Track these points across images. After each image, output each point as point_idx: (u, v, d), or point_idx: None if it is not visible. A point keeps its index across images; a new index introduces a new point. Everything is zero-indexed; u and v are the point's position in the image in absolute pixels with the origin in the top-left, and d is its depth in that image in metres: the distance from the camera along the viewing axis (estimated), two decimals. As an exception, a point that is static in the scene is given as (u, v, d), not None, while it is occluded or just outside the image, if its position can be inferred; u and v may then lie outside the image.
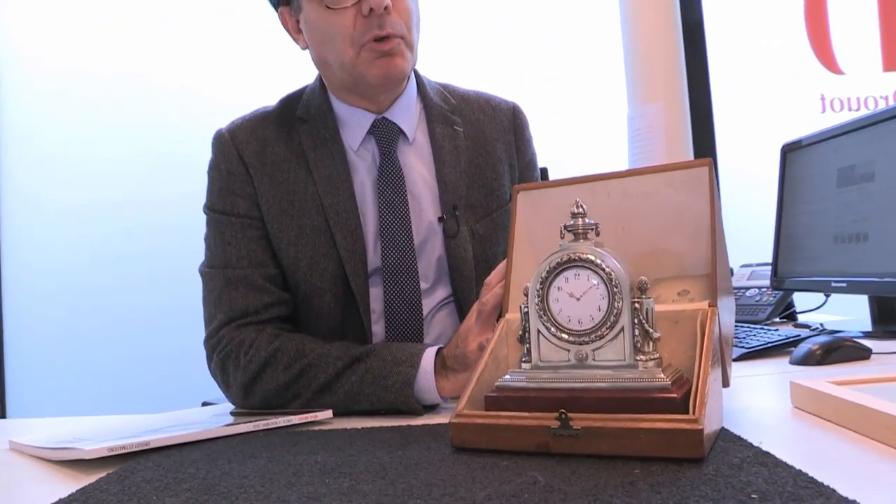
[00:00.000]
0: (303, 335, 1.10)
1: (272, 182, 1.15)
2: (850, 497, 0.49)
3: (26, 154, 2.62)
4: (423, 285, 1.17)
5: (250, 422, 0.89)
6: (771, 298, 1.80)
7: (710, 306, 0.74)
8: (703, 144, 2.65)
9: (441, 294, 1.19)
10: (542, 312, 0.71)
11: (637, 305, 0.68)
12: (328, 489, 0.60)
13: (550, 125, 2.25)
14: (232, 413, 1.09)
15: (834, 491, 0.51)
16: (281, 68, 2.07)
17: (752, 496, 0.51)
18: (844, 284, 1.48)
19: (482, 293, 0.98)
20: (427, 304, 1.17)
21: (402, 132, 1.20)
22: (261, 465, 0.70)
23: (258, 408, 1.07)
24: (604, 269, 0.69)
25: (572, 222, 0.72)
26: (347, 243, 1.13)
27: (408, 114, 1.21)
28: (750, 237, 2.19)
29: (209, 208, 1.18)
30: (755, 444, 0.64)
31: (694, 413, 0.62)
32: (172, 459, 0.75)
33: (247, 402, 1.08)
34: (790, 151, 1.74)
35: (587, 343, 0.70)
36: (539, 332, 0.72)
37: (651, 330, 0.68)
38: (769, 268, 1.78)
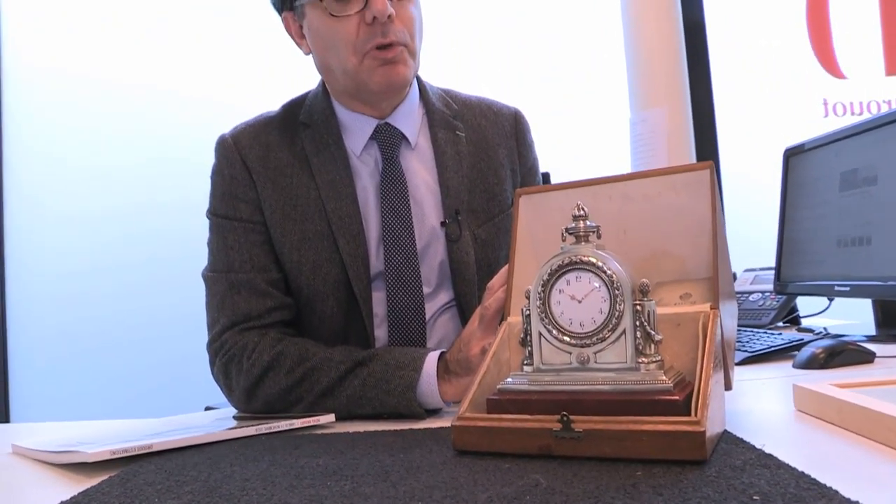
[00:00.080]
0: (305, 339, 1.10)
1: (275, 187, 1.15)
2: (853, 499, 0.49)
3: (30, 161, 2.63)
4: (426, 290, 1.17)
5: (252, 425, 0.89)
6: (774, 303, 1.80)
7: (711, 309, 0.74)
8: (706, 149, 2.65)
9: (443, 298, 1.19)
10: (543, 315, 0.71)
11: (639, 308, 0.68)
12: (330, 492, 0.60)
13: (552, 129, 2.26)
14: (235, 417, 1.09)
15: (837, 492, 0.50)
16: (283, 74, 2.09)
17: (755, 498, 0.51)
18: (848, 288, 1.48)
19: (484, 297, 0.98)
20: (429, 309, 1.17)
21: (404, 137, 1.20)
22: (263, 468, 0.70)
23: (261, 412, 1.07)
24: (605, 272, 0.69)
25: (574, 225, 0.72)
26: (350, 248, 1.13)
27: (410, 119, 1.21)
28: (753, 242, 2.18)
29: (212, 213, 1.18)
30: (758, 446, 0.64)
31: (696, 415, 0.61)
32: (174, 462, 0.75)
33: (249, 405, 1.08)
34: (793, 156, 1.74)
35: (589, 346, 0.70)
36: (541, 334, 0.72)
37: (653, 332, 0.68)
38: (772, 272, 1.77)
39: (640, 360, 0.68)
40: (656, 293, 0.78)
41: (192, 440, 0.83)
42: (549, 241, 0.77)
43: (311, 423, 0.93)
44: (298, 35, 1.18)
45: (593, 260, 0.70)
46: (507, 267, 0.90)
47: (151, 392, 2.47)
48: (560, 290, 0.71)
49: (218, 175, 1.19)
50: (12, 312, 2.59)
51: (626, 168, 2.41)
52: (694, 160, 2.36)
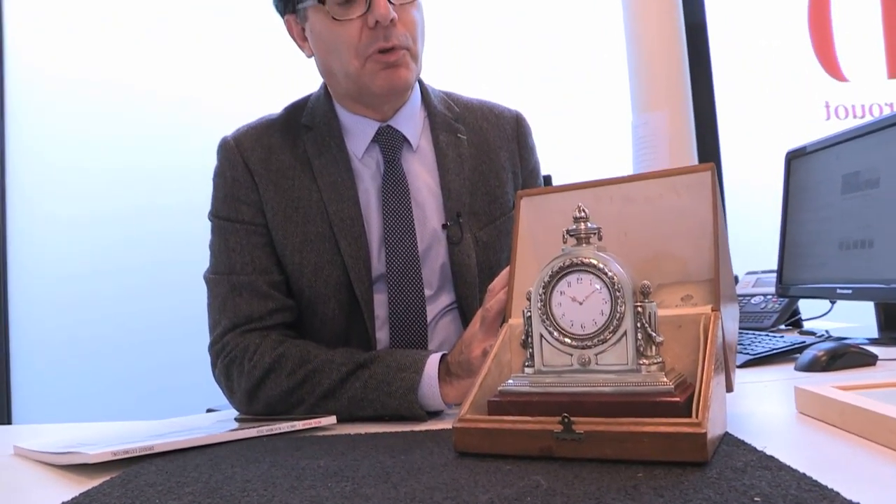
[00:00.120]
0: (307, 341, 1.11)
1: (277, 189, 1.15)
2: (855, 500, 0.49)
3: (33, 164, 2.64)
4: (427, 292, 1.17)
5: (254, 427, 0.89)
6: (776, 305, 1.79)
7: (713, 310, 0.74)
8: (708, 152, 2.65)
9: (445, 300, 1.19)
10: (544, 317, 0.71)
11: (640, 309, 0.68)
12: (331, 493, 0.60)
13: (554, 131, 2.26)
14: (236, 419, 1.09)
15: (838, 494, 0.50)
16: (285, 77, 2.09)
17: (756, 499, 0.50)
18: (850, 291, 1.47)
19: (486, 299, 0.98)
20: (431, 311, 1.17)
21: (406, 140, 1.20)
22: (264, 470, 0.70)
23: (262, 414, 1.07)
24: (606, 274, 0.69)
25: (575, 227, 0.72)
26: (352, 250, 1.13)
27: (412, 122, 1.21)
28: (755, 244, 2.18)
29: (214, 215, 1.19)
30: (759, 448, 0.64)
31: (697, 417, 0.61)
32: (176, 464, 0.75)
33: (251, 407, 1.08)
34: (794, 158, 1.74)
35: (590, 347, 0.70)
36: (542, 336, 0.72)
37: (654, 334, 0.68)
38: (774, 275, 1.77)
39: (641, 362, 0.68)
40: (657, 295, 0.78)
41: (193, 442, 0.83)
42: (551, 242, 0.77)
43: (313, 425, 0.93)
44: (301, 38, 1.18)
45: (594, 262, 0.70)
46: (508, 269, 0.90)
47: (153, 394, 2.47)
48: (561, 292, 0.71)
49: (220, 177, 1.19)
50: (15, 315, 2.60)
51: (627, 170, 2.41)
52: (696, 163, 2.36)
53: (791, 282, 1.69)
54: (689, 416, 0.62)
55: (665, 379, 0.67)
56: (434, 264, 1.18)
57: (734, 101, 2.84)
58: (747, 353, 1.28)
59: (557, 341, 0.71)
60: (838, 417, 0.72)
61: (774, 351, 1.27)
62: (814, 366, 1.13)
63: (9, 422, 2.55)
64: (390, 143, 1.19)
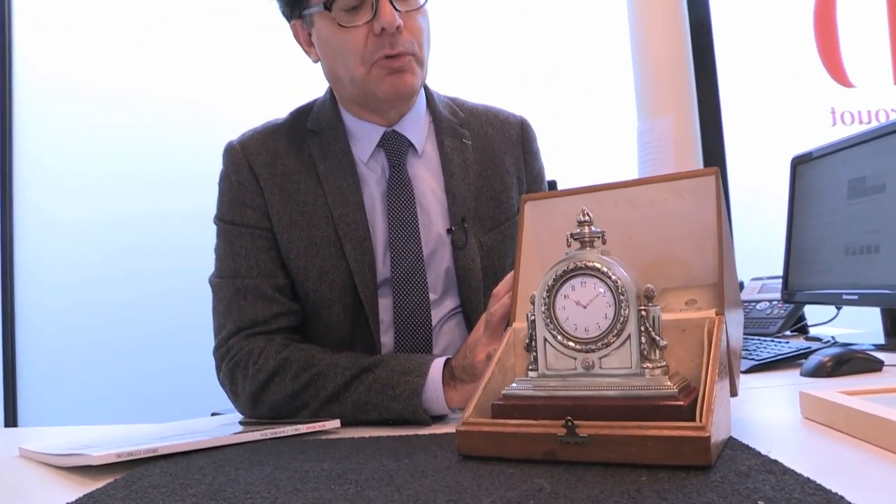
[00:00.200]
0: (311, 345, 1.11)
1: (282, 193, 1.16)
2: (859, 504, 0.49)
3: (39, 170, 2.66)
4: (432, 296, 1.17)
5: (258, 430, 0.89)
6: (782, 311, 1.79)
7: (717, 315, 0.74)
8: (713, 158, 2.64)
9: (449, 305, 1.19)
10: (548, 320, 0.71)
11: (643, 313, 0.68)
12: (334, 495, 0.60)
13: (559, 135, 2.26)
14: (240, 422, 1.09)
15: (842, 498, 0.50)
16: (290, 82, 2.10)
17: (759, 503, 0.50)
18: (856, 297, 1.47)
19: (490, 304, 0.98)
20: (436, 315, 1.18)
21: (411, 145, 1.20)
22: (267, 472, 0.70)
23: (266, 417, 1.07)
24: (610, 277, 0.69)
25: (579, 230, 0.72)
26: (357, 254, 1.13)
27: (417, 127, 1.22)
28: (760, 250, 2.18)
29: (219, 219, 1.19)
30: (763, 452, 0.64)
31: (701, 420, 0.61)
32: (180, 466, 0.75)
33: (255, 411, 1.08)
34: (800, 164, 1.74)
35: (594, 351, 0.70)
36: (546, 340, 0.72)
37: (658, 338, 0.68)
38: (780, 281, 1.77)
39: (644, 366, 0.68)
40: (662, 299, 0.78)
41: (197, 444, 0.83)
42: (555, 247, 0.77)
43: (317, 429, 0.93)
44: (307, 43, 1.19)
45: (598, 265, 0.70)
46: (512, 273, 0.91)
47: (158, 398, 2.48)
48: (565, 296, 0.71)
49: (225, 181, 1.19)
50: (21, 318, 2.61)
51: (632, 175, 2.40)
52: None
53: (797, 287, 1.69)
54: (693, 419, 0.62)
55: (669, 383, 0.66)
56: (439, 269, 1.18)
57: (740, 106, 2.83)
58: (752, 359, 1.27)
59: (561, 345, 0.71)
60: (843, 422, 0.72)
61: (780, 356, 1.27)
62: (819, 371, 1.12)
63: (14, 424, 2.56)
64: (396, 147, 1.19)
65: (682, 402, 0.64)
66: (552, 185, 1.57)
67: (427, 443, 0.80)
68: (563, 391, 0.70)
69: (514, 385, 0.74)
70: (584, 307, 0.70)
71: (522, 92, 2.66)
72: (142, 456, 0.78)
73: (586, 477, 0.60)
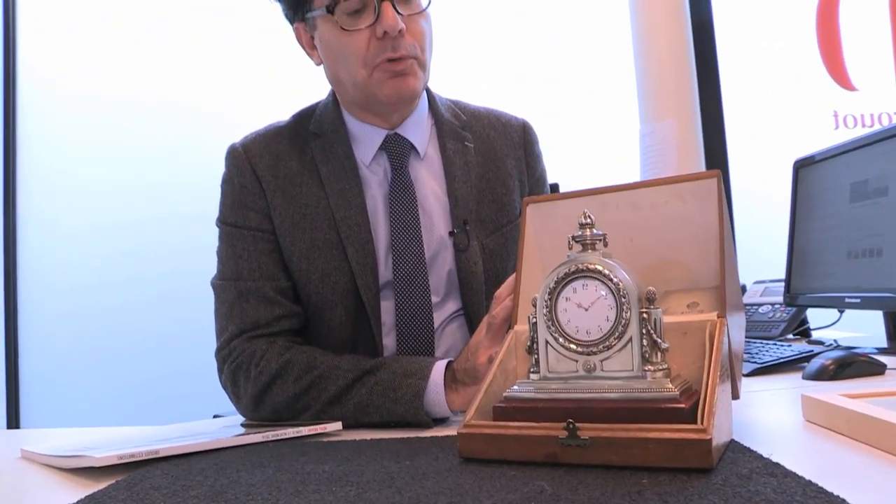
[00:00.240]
0: (313, 348, 1.11)
1: (284, 196, 1.16)
2: (860, 507, 0.49)
3: (43, 175, 2.66)
4: (434, 299, 1.17)
5: (260, 432, 0.89)
6: (784, 315, 1.79)
7: (718, 317, 0.74)
8: (716, 161, 2.64)
9: (452, 307, 1.19)
10: (550, 323, 0.72)
11: (645, 316, 0.68)
12: (335, 497, 0.60)
13: (561, 139, 2.26)
14: (242, 425, 1.09)
15: (844, 501, 0.50)
16: (293, 85, 2.10)
17: (761, 505, 0.50)
18: (858, 300, 1.47)
19: (492, 306, 0.98)
20: (438, 318, 1.18)
21: (413, 147, 1.21)
22: (269, 474, 0.70)
23: (268, 419, 1.07)
24: (612, 280, 0.69)
25: (580, 233, 0.72)
26: (359, 256, 1.13)
27: (419, 129, 1.22)
28: (762, 253, 2.18)
29: (222, 221, 1.19)
30: (765, 455, 0.64)
31: (702, 423, 0.61)
32: (181, 468, 0.75)
33: (257, 413, 1.08)
34: (803, 167, 1.73)
35: (595, 353, 0.70)
36: (547, 342, 0.72)
37: (659, 340, 0.68)
38: (782, 284, 1.76)
39: (646, 368, 0.68)
40: (663, 302, 0.77)
41: (199, 446, 0.84)
42: (557, 249, 0.77)
43: (319, 431, 0.93)
44: (310, 46, 1.19)
45: (600, 268, 0.70)
46: (514, 276, 0.91)
47: (160, 401, 2.48)
48: (566, 298, 0.71)
49: (228, 184, 1.20)
50: (24, 321, 2.62)
51: (635, 178, 2.40)
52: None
53: (799, 291, 1.68)
54: (695, 422, 0.62)
55: (670, 385, 0.66)
56: (441, 271, 1.18)
57: (742, 109, 2.83)
58: (755, 362, 1.27)
59: (563, 347, 0.71)
60: (845, 425, 0.72)
61: (782, 360, 1.26)
62: (821, 375, 1.12)
63: (17, 426, 2.57)
64: (398, 150, 1.19)
65: (683, 405, 0.64)
66: (554, 188, 1.57)
67: (428, 445, 0.80)
68: (564, 394, 0.70)
69: (515, 387, 0.74)
70: (586, 310, 0.70)
71: (523, 93, 2.67)
72: (143, 458, 0.78)
73: (587, 479, 0.60)
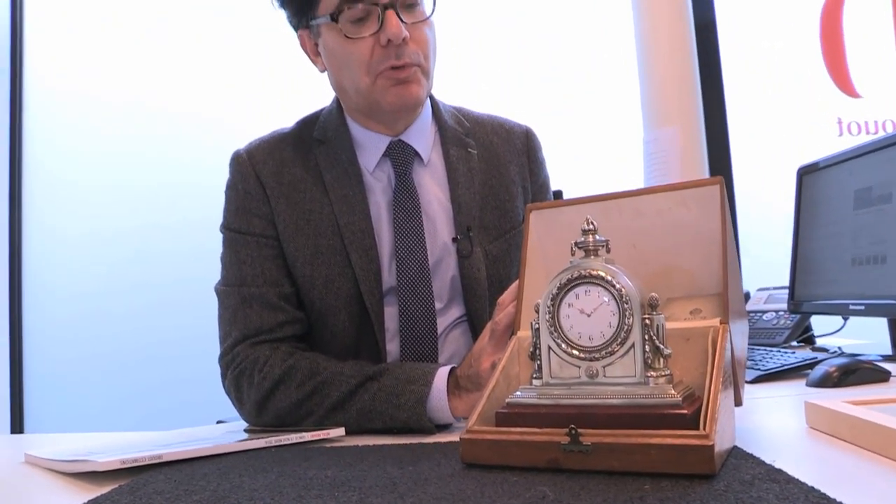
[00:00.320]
0: (316, 353, 1.11)
1: (288, 202, 1.16)
2: (863, 513, 0.49)
3: (47, 182, 2.68)
4: (438, 305, 1.17)
5: (262, 438, 0.89)
6: (788, 322, 1.78)
7: (721, 323, 0.74)
8: (719, 168, 2.64)
9: (455, 313, 1.20)
10: (552, 329, 0.72)
11: (647, 322, 0.68)
12: (337, 502, 0.60)
13: (562, 141, 2.27)
14: (245, 430, 1.09)
15: (846, 507, 0.50)
16: (297, 92, 2.11)
17: (763, 512, 0.50)
18: (863, 307, 1.46)
19: (495, 312, 0.99)
20: (441, 324, 1.18)
21: (417, 154, 1.21)
22: (271, 479, 0.70)
23: (271, 425, 1.07)
24: (614, 286, 0.69)
25: (583, 239, 0.72)
26: (363, 262, 1.14)
27: (423, 136, 1.22)
28: (766, 260, 2.17)
29: (225, 227, 1.20)
30: (768, 462, 0.64)
31: (705, 429, 0.61)
32: (184, 473, 0.75)
33: (260, 419, 1.09)
34: (806, 174, 1.73)
35: (598, 359, 0.70)
36: (550, 348, 0.72)
37: (662, 346, 0.68)
38: (786, 291, 1.76)
39: (649, 374, 0.68)
40: (667, 308, 0.77)
41: (202, 451, 0.84)
42: (560, 256, 0.77)
43: (321, 437, 0.93)
44: (314, 53, 1.20)
45: (602, 274, 0.70)
46: (517, 282, 0.91)
47: (163, 407, 2.48)
48: (569, 304, 0.71)
49: (232, 190, 1.20)
50: (28, 327, 2.63)
51: (638, 185, 2.40)
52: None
53: (803, 298, 1.68)
54: (697, 428, 0.62)
55: (673, 391, 0.66)
56: (444, 277, 1.18)
57: (746, 117, 2.84)
58: (758, 369, 1.27)
59: (565, 353, 0.71)
60: (848, 432, 0.72)
61: (786, 367, 1.26)
62: (825, 381, 1.12)
63: (21, 430, 2.57)
64: (401, 157, 1.20)
65: (685, 411, 0.64)
66: (557, 195, 1.58)
67: (431, 451, 0.80)
68: (566, 399, 0.70)
69: (518, 393, 0.74)
70: (589, 315, 0.70)
71: (523, 93, 2.68)
72: (146, 462, 0.78)
73: (590, 485, 0.60)
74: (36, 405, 2.61)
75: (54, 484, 0.78)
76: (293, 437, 0.91)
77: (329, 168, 1.18)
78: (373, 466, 0.73)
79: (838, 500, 0.51)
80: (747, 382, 1.21)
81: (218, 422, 1.51)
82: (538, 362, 0.73)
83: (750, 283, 2.02)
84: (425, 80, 1.15)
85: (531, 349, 0.74)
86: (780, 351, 1.45)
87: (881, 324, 1.54)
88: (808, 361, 1.26)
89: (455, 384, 0.99)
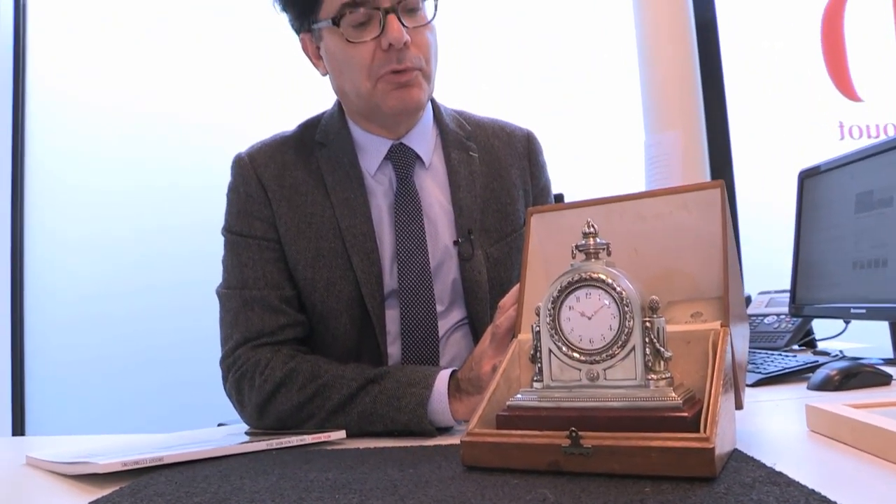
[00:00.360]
0: (318, 356, 1.11)
1: (290, 205, 1.17)
2: (863, 516, 0.49)
3: (50, 186, 2.68)
4: (439, 308, 1.17)
5: (263, 440, 0.90)
6: (790, 325, 1.78)
7: (722, 326, 0.74)
8: (721, 172, 2.64)
9: (456, 316, 1.20)
10: (553, 331, 0.72)
11: (648, 325, 0.68)
12: (338, 504, 0.60)
13: (563, 143, 2.27)
14: (246, 433, 1.09)
15: (846, 510, 0.50)
16: (300, 95, 2.11)
17: (763, 514, 0.50)
18: (864, 311, 1.46)
19: (496, 316, 0.99)
20: (442, 326, 1.18)
21: (418, 157, 1.21)
22: (272, 482, 0.70)
23: (272, 428, 1.07)
24: (615, 289, 0.69)
25: (584, 242, 0.72)
26: (364, 265, 1.14)
27: (424, 139, 1.22)
28: (768, 264, 2.17)
29: (227, 230, 1.20)
30: (769, 465, 0.64)
31: (705, 432, 0.61)
32: (185, 475, 0.75)
33: (261, 422, 1.09)
34: (808, 178, 1.73)
35: (598, 362, 0.70)
36: (550, 351, 0.72)
37: (662, 349, 0.68)
38: (787, 295, 1.76)
39: (649, 377, 0.68)
40: (668, 312, 0.78)
41: (203, 453, 0.84)
42: (561, 259, 0.77)
43: (322, 440, 0.93)
44: (315, 56, 1.20)
45: (603, 277, 0.70)
46: (518, 285, 0.91)
47: (164, 409, 2.48)
48: (570, 307, 0.71)
49: (234, 193, 1.20)
50: (30, 329, 2.63)
51: (640, 188, 2.40)
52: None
53: (804, 301, 1.68)
54: (698, 431, 0.62)
55: (673, 394, 0.66)
56: (446, 280, 1.19)
57: (747, 121, 2.84)
58: (760, 373, 1.27)
59: (566, 356, 0.71)
60: (849, 435, 0.72)
61: (787, 370, 1.26)
62: (827, 385, 1.12)
63: (22, 433, 2.57)
64: (403, 160, 1.20)
65: (686, 414, 0.64)
66: (559, 198, 1.58)
67: (432, 453, 0.80)
68: (567, 402, 0.70)
69: (518, 396, 0.74)
70: (589, 318, 0.70)
71: (523, 93, 2.69)
72: (147, 465, 0.78)
73: (590, 488, 0.60)
74: (37, 407, 2.61)
75: (55, 486, 0.78)
76: (294, 440, 0.91)
77: (330, 171, 1.18)
78: (374, 469, 0.73)
79: (839, 503, 0.51)
80: (748, 386, 1.21)
81: (219, 424, 1.52)
82: (539, 365, 0.73)
83: (751, 286, 2.01)
84: (426, 84, 1.15)
85: (532, 352, 0.74)
86: (781, 354, 1.45)
87: (882, 327, 1.54)
88: (809, 365, 1.26)
89: (456, 387, 0.99)
